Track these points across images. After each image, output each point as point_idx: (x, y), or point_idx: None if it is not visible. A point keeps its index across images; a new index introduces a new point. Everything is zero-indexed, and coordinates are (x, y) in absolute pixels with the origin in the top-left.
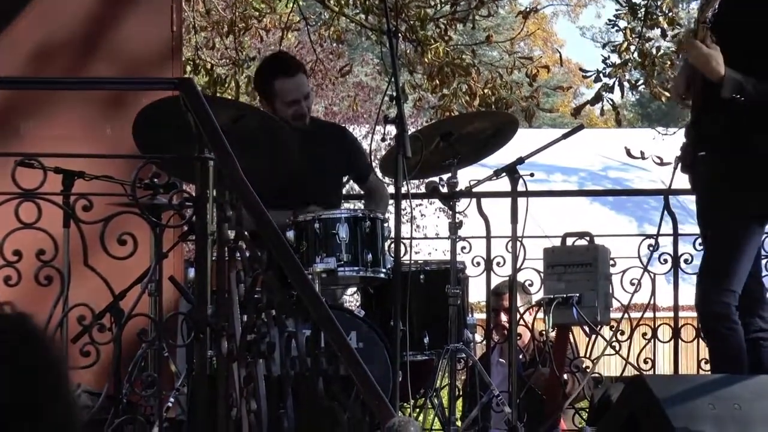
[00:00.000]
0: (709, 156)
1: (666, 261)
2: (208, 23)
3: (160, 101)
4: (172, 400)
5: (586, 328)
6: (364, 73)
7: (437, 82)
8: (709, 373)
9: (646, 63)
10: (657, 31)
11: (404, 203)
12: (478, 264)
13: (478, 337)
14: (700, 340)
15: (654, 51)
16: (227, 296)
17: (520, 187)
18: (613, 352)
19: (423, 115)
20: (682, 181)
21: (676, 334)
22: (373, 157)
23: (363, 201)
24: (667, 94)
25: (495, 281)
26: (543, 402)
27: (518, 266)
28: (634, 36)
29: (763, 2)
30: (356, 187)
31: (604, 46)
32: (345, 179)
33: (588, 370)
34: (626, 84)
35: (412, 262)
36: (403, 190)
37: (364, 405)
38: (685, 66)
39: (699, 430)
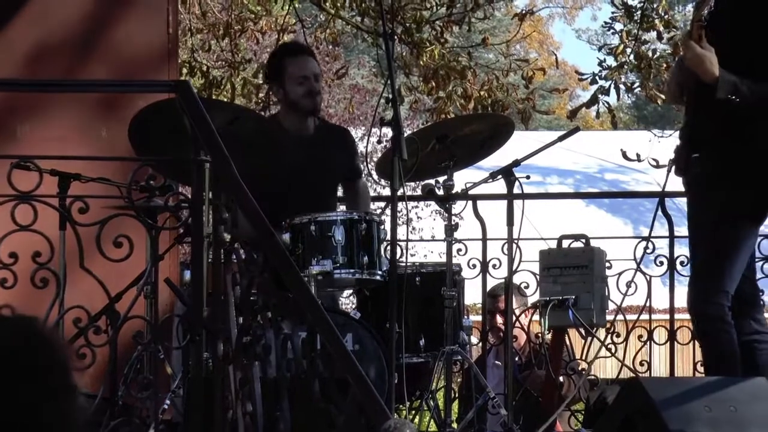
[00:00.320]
0: (702, 157)
1: (662, 263)
2: (204, 25)
3: (155, 104)
4: (167, 402)
5: (582, 331)
6: (360, 75)
7: (433, 84)
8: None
9: (642, 65)
10: (653, 34)
11: (400, 205)
12: (474, 266)
13: (474, 340)
14: (696, 342)
15: (650, 54)
16: (223, 298)
17: (516, 190)
18: (609, 354)
19: (419, 118)
20: (678, 183)
21: (672, 336)
22: (369, 160)
23: (345, 202)
24: (663, 96)
25: (491, 283)
26: (539, 404)
27: (514, 268)
28: (630, 38)
29: (759, 1)
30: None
31: (600, 48)
32: None
33: (584, 373)
34: (622, 86)
35: (408, 264)
36: (400, 192)
37: (360, 407)
38: (675, 71)
39: None
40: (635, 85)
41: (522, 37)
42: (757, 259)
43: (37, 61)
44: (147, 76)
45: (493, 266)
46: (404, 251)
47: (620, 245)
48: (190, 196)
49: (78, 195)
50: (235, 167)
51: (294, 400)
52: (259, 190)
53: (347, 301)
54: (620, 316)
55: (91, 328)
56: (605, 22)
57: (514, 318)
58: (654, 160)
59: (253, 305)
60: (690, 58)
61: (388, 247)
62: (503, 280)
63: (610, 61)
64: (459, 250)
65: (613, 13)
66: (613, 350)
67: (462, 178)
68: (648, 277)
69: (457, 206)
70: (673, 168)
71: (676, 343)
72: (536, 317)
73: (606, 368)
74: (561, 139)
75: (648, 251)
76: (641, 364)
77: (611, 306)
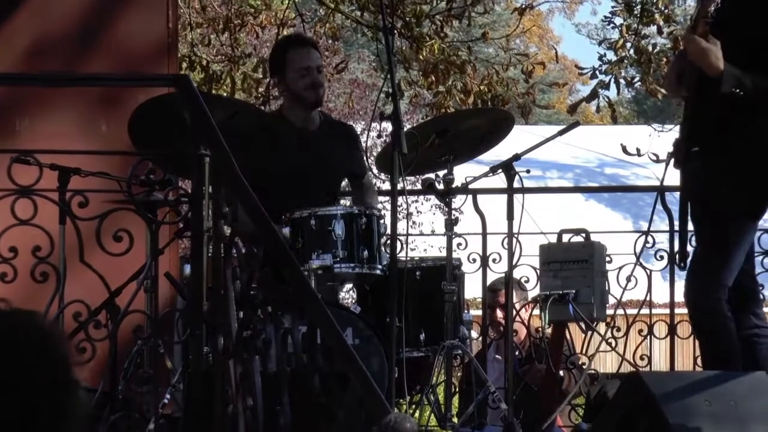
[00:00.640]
0: (702, 151)
1: (662, 257)
2: (204, 20)
3: (155, 98)
4: (168, 396)
5: (582, 325)
6: (360, 69)
7: (433, 78)
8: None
9: (642, 60)
10: (653, 28)
11: (400, 200)
12: (474, 260)
13: (474, 334)
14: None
15: (650, 48)
16: (223, 293)
17: (516, 184)
18: (609, 348)
19: (419, 112)
20: (677, 177)
21: (672, 330)
22: (369, 154)
23: (351, 197)
24: (663, 91)
25: (491, 278)
26: (539, 399)
27: (514, 263)
28: (630, 33)
29: None
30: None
31: (600, 43)
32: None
33: (584, 367)
34: (622, 81)
35: (408, 258)
36: (399, 186)
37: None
38: (676, 59)
39: (695, 427)
40: (635, 80)
41: (522, 31)
42: (756, 254)
43: (37, 57)
44: (147, 70)
45: (493, 260)
46: (404, 246)
47: (620, 239)
48: (190, 190)
49: (78, 189)
50: (235, 162)
51: (294, 395)
52: (260, 184)
53: (347, 295)
54: (620, 311)
55: (91, 323)
56: (605, 17)
57: (514, 312)
58: (654, 154)
59: (254, 300)
60: (694, 52)
61: (388, 242)
62: (503, 275)
63: (610, 56)
64: (459, 244)
65: (613, 7)
66: (613, 344)
67: (462, 173)
68: (648, 272)
69: (457, 200)
70: (672, 161)
71: (676, 337)
72: (536, 311)
73: (606, 362)
74: (561, 133)
75: (648, 245)
76: (641, 359)
77: (611, 300)
